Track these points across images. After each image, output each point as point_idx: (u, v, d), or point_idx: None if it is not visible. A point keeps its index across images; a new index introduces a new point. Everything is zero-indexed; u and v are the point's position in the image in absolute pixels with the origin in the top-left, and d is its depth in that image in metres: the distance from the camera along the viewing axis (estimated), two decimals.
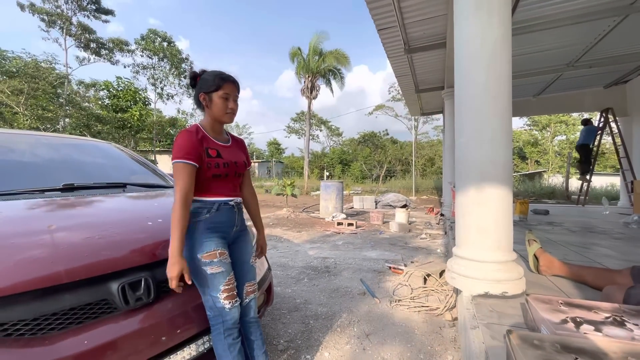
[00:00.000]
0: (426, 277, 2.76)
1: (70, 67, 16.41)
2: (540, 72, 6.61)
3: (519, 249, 2.42)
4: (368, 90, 78.42)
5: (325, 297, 2.60)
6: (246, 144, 1.57)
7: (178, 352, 1.20)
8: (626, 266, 1.60)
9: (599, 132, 7.64)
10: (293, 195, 8.69)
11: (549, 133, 27.95)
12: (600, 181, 14.28)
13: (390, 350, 1.81)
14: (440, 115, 12.31)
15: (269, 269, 1.91)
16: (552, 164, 26.72)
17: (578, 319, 1.06)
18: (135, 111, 16.73)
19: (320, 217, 7.73)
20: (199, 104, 1.33)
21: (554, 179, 16.28)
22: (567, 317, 1.06)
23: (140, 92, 18.39)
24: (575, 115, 24.15)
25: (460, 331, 1.87)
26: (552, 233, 3.66)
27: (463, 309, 1.61)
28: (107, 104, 17.49)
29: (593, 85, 7.80)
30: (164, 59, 20.47)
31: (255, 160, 35.14)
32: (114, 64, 18.06)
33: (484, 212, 1.63)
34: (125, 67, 21.91)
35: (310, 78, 21.17)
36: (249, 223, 1.59)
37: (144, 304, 1.15)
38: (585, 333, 0.96)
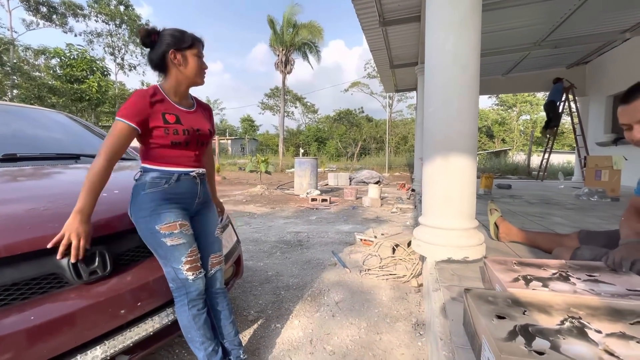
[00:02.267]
0: (395, 247, 2.85)
1: (15, 32, 14.71)
2: (510, 51, 6.76)
3: (483, 219, 2.55)
4: (344, 66, 77.17)
5: (297, 269, 2.63)
6: (213, 114, 1.48)
7: (140, 325, 1.17)
8: (574, 231, 1.72)
9: (565, 94, 7.61)
10: (267, 172, 8.58)
11: (515, 112, 29.18)
12: (558, 158, 15.26)
13: (358, 315, 1.87)
14: (413, 94, 12.43)
15: (238, 241, 1.88)
16: (516, 142, 28.11)
17: (529, 277, 1.12)
18: (93, 82, 15.42)
19: (295, 194, 7.72)
20: (161, 64, 1.22)
21: (518, 157, 17.20)
22: (519, 276, 1.13)
23: (97, 62, 16.91)
24: (539, 95, 25.31)
25: (424, 295, 1.96)
26: (513, 205, 3.88)
27: (427, 274, 1.68)
28: (60, 73, 15.97)
29: (557, 65, 8.12)
30: (121, 25, 18.81)
31: (228, 138, 34.10)
32: (66, 32, 16.39)
33: (450, 182, 1.67)
34: (76, 35, 19.73)
35: (284, 51, 20.44)
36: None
37: (99, 278, 1.09)
38: (534, 289, 1.02)
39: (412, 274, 2.31)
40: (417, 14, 4.95)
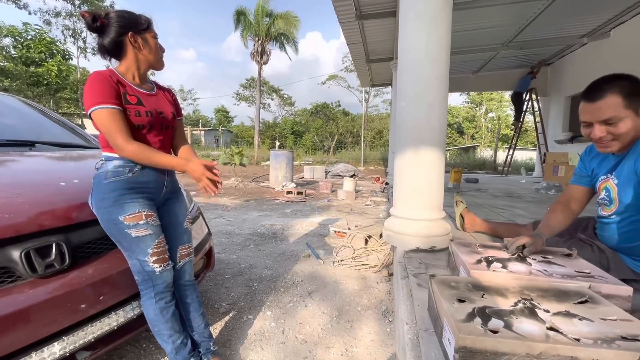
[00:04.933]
0: (367, 238, 2.91)
1: None
2: (479, 50, 7.01)
3: (451, 211, 2.66)
4: (322, 59, 76.77)
5: (270, 261, 2.63)
6: (186, 104, 1.42)
7: (103, 319, 1.12)
8: (530, 222, 1.84)
9: (532, 81, 8.05)
10: (242, 164, 8.41)
11: (483, 110, 30.46)
12: (521, 155, 16.17)
13: (330, 305, 1.90)
14: (389, 89, 12.63)
15: (209, 233, 1.84)
16: (484, 139, 29.41)
17: (490, 258, 1.19)
18: (53, 65, 14.29)
19: (270, 187, 7.65)
20: (116, 49, 1.15)
21: (485, 152, 18.04)
22: (482, 257, 1.19)
23: (57, 44, 15.66)
24: (506, 95, 26.54)
25: (394, 283, 2.03)
26: (479, 198, 4.08)
27: (397, 263, 1.74)
28: (15, 55, 14.64)
29: (523, 65, 8.53)
30: (82, 5, 17.51)
31: (201, 129, 33.04)
32: (20, 9, 14.98)
33: (419, 174, 1.72)
34: (30, 13, 17.98)
35: (260, 42, 19.97)
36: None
37: (57, 271, 1.03)
38: (494, 270, 1.09)
39: (383, 263, 2.38)
40: (392, 9, 5.01)
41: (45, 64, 14.43)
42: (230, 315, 1.80)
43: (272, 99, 35.36)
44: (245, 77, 37.28)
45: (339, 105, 31.95)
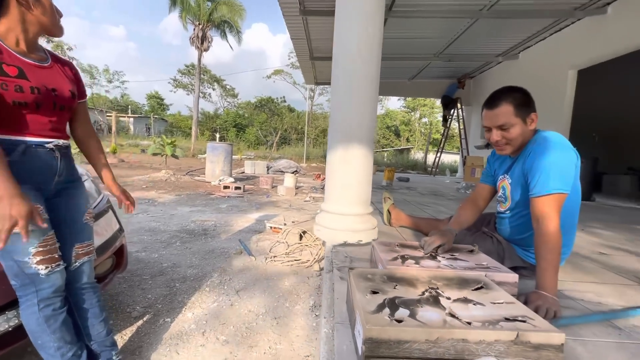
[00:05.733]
0: (302, 234, 2.91)
1: None
2: (415, 58, 7.53)
3: (382, 206, 2.79)
4: (268, 52, 75.18)
5: (197, 259, 2.46)
6: (80, 72, 1.22)
7: None
8: (447, 216, 2.01)
9: (459, 88, 9.15)
10: (174, 156, 7.81)
11: (417, 115, 32.95)
12: (448, 158, 17.89)
13: (258, 302, 1.85)
14: None
15: (121, 230, 1.65)
16: (418, 142, 31.85)
17: (406, 256, 1.26)
18: None
19: (206, 181, 7.24)
20: None
21: (418, 154, 19.56)
22: (398, 255, 1.26)
23: None
24: (437, 103, 29.07)
25: (322, 278, 2.05)
26: (408, 195, 4.37)
27: (325, 257, 1.75)
28: None
29: (451, 76, 9.41)
30: None
31: (130, 115, 29.91)
32: None
33: (349, 170, 1.75)
34: None
35: (200, 26, 18.76)
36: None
37: None
38: (407, 266, 1.15)
39: (315, 258, 2.39)
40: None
41: None
42: (144, 319, 1.63)
43: (214, 89, 33.58)
44: (185, 63, 34.60)
45: (285, 101, 31.70)
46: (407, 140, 33.31)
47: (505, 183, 1.38)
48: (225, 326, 1.61)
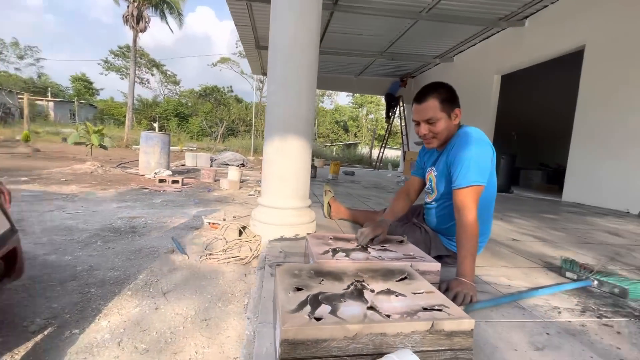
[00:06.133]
0: (242, 229, 2.79)
1: None
2: (360, 55, 7.70)
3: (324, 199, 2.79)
4: (214, 38, 71.24)
5: (120, 261, 2.22)
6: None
7: None
8: (382, 208, 2.07)
9: (401, 87, 9.68)
10: (102, 146, 7.00)
11: (364, 111, 34.09)
12: (391, 153, 18.84)
13: (188, 304, 1.71)
14: None
15: (13, 230, 1.38)
16: (364, 137, 32.99)
17: (337, 249, 1.25)
18: None
19: (140, 174, 6.63)
20: None
21: (364, 149, 20.27)
22: (330, 249, 1.24)
23: None
24: (382, 100, 30.33)
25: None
26: (352, 188, 4.47)
27: (260, 253, 1.68)
28: None
29: (394, 75, 9.84)
30: None
31: (51, 99, 26.19)
32: None
33: (286, 162, 1.70)
34: None
35: (135, 4, 17.03)
36: None
37: None
38: (337, 259, 1.13)
39: (253, 254, 2.30)
40: None
41: None
42: (46, 333, 1.40)
43: (153, 74, 30.88)
44: (118, 44, 31.08)
45: (232, 91, 30.44)
46: (355, 135, 34.31)
47: (431, 175, 1.44)
48: (147, 333, 1.45)
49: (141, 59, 27.39)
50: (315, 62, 1.74)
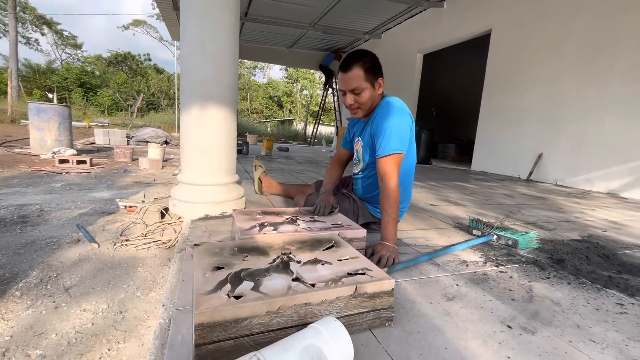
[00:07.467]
0: (164, 211, 2.54)
1: None
2: (291, 25, 7.41)
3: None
4: None
5: (5, 257, 1.84)
6: None
7: None
8: (314, 182, 2.07)
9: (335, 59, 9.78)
10: None
11: (299, 87, 33.62)
12: (325, 129, 19.10)
13: (98, 298, 1.51)
14: None
15: None
16: (299, 114, 32.75)
17: (265, 224, 1.19)
18: None
19: (33, 154, 5.56)
20: None
21: (299, 125, 20.16)
22: (257, 224, 1.18)
23: None
24: (317, 75, 30.19)
25: None
26: (285, 164, 4.40)
27: (181, 235, 1.54)
28: None
29: (327, 49, 9.76)
30: None
31: None
32: None
33: (207, 134, 1.54)
34: None
35: None
36: None
37: None
38: (264, 233, 1.08)
39: (177, 237, 2.12)
40: None
41: None
42: None
43: (43, 34, 25.53)
44: None
45: (150, 59, 27.01)
46: (290, 112, 33.82)
47: (358, 146, 1.46)
48: (44, 336, 1.24)
49: (24, 13, 22.32)
50: (236, 22, 1.57)
